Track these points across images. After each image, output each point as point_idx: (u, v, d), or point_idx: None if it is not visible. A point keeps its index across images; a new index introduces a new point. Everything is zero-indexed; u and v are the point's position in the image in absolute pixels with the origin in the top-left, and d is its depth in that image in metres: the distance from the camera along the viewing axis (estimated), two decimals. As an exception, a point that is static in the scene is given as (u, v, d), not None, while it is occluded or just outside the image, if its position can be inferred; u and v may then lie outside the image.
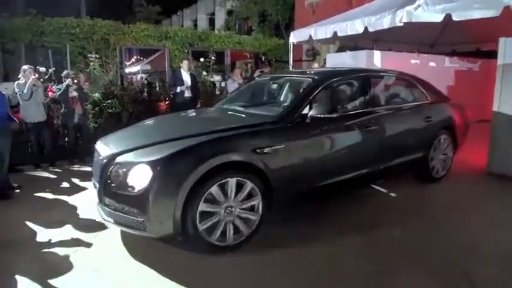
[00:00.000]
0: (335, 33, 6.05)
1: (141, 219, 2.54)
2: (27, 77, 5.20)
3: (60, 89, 5.73)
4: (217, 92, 8.99)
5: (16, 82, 5.31)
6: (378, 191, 4.23)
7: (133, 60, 12.00)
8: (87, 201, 3.80)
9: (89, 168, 4.06)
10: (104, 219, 2.84)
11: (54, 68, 7.54)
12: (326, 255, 2.82)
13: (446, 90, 7.10)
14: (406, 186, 4.38)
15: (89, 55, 8.16)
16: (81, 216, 3.64)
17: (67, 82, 5.72)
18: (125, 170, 2.65)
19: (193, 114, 4.30)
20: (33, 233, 3.26)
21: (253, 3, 14.68)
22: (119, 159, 2.76)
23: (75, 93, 5.82)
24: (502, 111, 4.65)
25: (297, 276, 2.56)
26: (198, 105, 7.18)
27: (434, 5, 4.45)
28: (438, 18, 4.39)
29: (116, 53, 9.12)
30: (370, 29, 5.30)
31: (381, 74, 4.46)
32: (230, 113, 3.80)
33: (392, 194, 4.17)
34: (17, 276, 2.56)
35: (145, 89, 8.67)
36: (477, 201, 4.04)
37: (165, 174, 2.56)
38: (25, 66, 5.35)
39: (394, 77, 4.39)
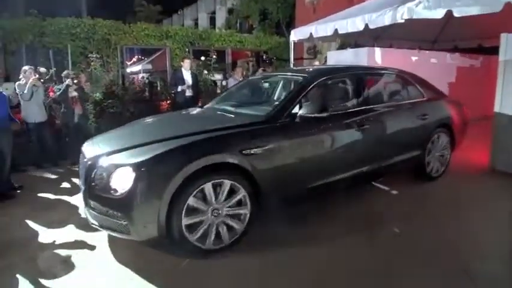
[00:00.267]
0: (336, 30, 6.02)
1: (125, 223, 2.51)
2: (27, 77, 5.20)
3: (60, 89, 5.74)
4: (218, 91, 8.98)
5: (17, 83, 5.31)
6: (379, 189, 4.22)
7: (134, 59, 12.05)
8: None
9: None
10: (91, 223, 2.80)
11: (55, 69, 7.56)
12: (326, 255, 2.81)
13: (447, 87, 7.10)
14: (409, 185, 4.35)
15: (90, 55, 8.19)
16: (83, 216, 3.62)
17: (67, 82, 5.73)
18: (108, 172, 2.61)
19: (183, 114, 4.21)
20: (35, 233, 3.27)
21: (253, 1, 14.64)
22: (102, 161, 2.73)
23: (74, 93, 5.83)
24: (504, 107, 4.62)
25: (297, 276, 2.55)
26: (199, 104, 7.17)
27: (435, 1, 4.43)
28: (439, 14, 4.35)
29: (117, 52, 9.12)
30: (371, 26, 5.27)
31: (374, 71, 4.40)
32: (219, 113, 3.73)
33: (394, 192, 4.15)
34: (19, 276, 2.57)
35: (147, 89, 8.71)
36: (481, 198, 4.01)
37: (147, 177, 2.51)
38: (26, 67, 5.36)
39: (388, 74, 4.31)
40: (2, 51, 7.87)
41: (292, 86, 3.59)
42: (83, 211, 2.89)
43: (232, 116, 3.49)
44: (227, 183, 2.73)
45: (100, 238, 3.10)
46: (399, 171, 4.33)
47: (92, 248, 2.97)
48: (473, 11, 4.05)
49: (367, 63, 6.07)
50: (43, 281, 2.51)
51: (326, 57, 8.22)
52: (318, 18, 7.21)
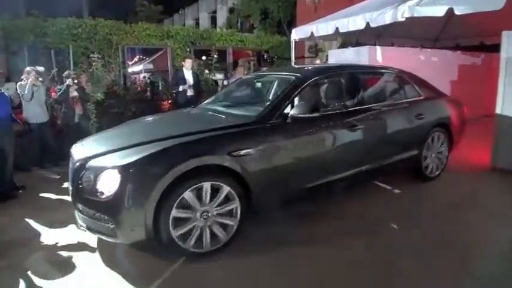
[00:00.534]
0: (337, 29, 6.02)
1: (112, 226, 2.48)
2: (29, 78, 5.21)
3: (61, 89, 5.75)
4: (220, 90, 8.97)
5: (18, 83, 5.32)
6: (379, 188, 4.20)
7: (135, 59, 12.05)
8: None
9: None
10: (79, 225, 2.77)
11: (57, 69, 7.58)
12: (326, 255, 2.80)
13: (449, 85, 7.07)
14: (409, 184, 4.32)
15: (91, 55, 8.20)
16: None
17: (67, 82, 5.74)
18: (94, 174, 2.59)
19: (174, 115, 4.14)
20: (37, 233, 3.29)
21: (254, 0, 14.63)
22: (89, 163, 2.70)
23: (75, 94, 5.84)
24: (506, 105, 4.60)
25: (297, 276, 2.54)
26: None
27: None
28: (440, 12, 4.34)
29: (118, 52, 9.14)
30: (372, 25, 5.26)
31: (368, 70, 4.34)
32: (210, 113, 3.69)
33: (396, 191, 4.14)
34: (19, 276, 2.58)
35: (148, 89, 8.73)
36: (483, 197, 4.00)
37: (133, 180, 2.48)
38: (28, 68, 5.37)
39: (383, 73, 4.25)
40: (3, 51, 7.89)
41: (284, 86, 3.51)
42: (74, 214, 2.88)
43: (223, 116, 3.45)
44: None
45: (101, 238, 3.09)
46: (395, 171, 4.28)
47: (92, 248, 2.98)
48: (475, 8, 4.03)
49: (368, 62, 6.05)
50: (43, 282, 2.52)
51: (327, 55, 8.21)
52: (319, 17, 7.22)
